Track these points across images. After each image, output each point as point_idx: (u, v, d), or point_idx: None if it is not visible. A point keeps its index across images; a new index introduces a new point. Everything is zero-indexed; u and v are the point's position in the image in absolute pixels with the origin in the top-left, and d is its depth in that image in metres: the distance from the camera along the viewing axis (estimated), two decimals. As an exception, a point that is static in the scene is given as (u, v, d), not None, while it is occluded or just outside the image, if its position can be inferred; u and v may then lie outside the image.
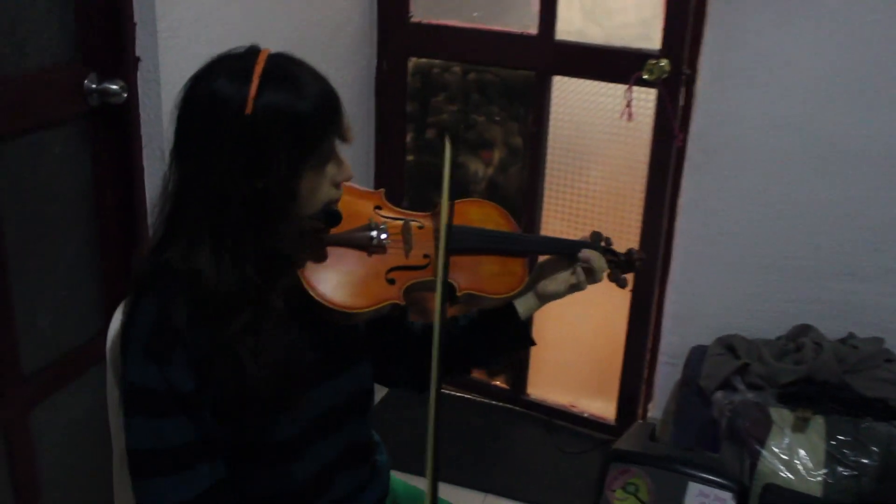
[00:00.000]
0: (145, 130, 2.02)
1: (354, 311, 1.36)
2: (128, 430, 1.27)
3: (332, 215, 1.34)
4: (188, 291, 1.25)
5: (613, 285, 1.63)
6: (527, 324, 1.59)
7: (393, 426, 2.87)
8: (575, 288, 1.56)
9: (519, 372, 3.18)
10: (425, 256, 1.47)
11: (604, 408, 3.12)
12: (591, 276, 1.56)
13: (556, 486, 2.81)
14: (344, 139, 1.31)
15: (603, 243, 1.63)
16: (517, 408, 3.20)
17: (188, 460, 1.27)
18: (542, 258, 1.63)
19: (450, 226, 1.43)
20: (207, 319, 1.25)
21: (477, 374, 3.27)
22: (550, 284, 1.56)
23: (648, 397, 3.06)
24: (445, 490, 2.71)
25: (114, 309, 1.47)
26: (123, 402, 1.29)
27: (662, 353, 2.98)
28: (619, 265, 1.63)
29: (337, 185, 1.33)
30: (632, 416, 3.04)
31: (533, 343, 1.61)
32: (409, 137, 3.13)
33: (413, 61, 3.04)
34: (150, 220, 1.35)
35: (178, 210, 1.28)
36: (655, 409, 3.03)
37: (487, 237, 1.54)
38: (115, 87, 1.92)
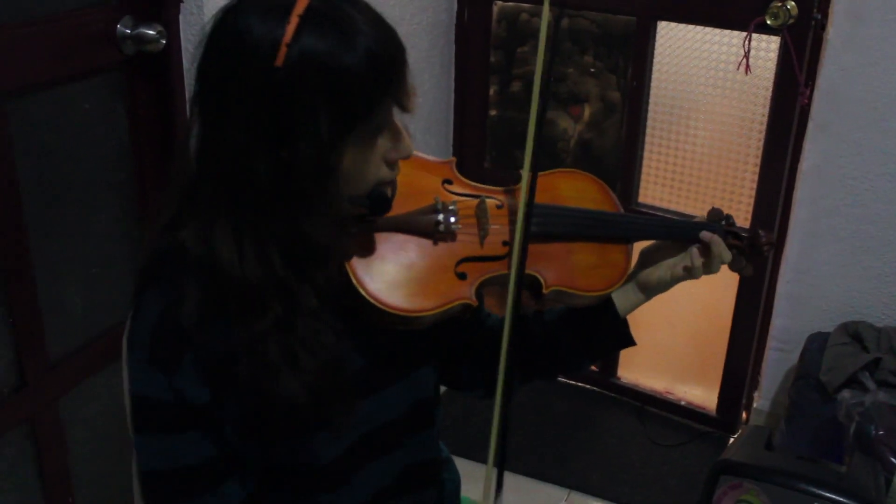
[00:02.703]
0: (189, 82, 1.81)
1: (414, 314, 1.10)
2: (137, 448, 1.11)
3: (378, 200, 1.06)
4: (205, 280, 1.02)
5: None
6: (626, 322, 1.31)
7: (463, 411, 2.64)
8: (688, 275, 1.28)
9: (609, 352, 2.90)
10: (505, 244, 1.19)
11: (703, 396, 2.86)
12: (709, 265, 1.28)
13: (648, 484, 2.55)
14: (403, 107, 1.03)
15: (724, 223, 1.34)
16: (606, 392, 2.96)
17: (209, 481, 1.10)
18: (646, 244, 1.34)
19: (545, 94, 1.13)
20: (230, 315, 1.03)
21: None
22: (656, 272, 1.29)
23: (754, 386, 2.77)
24: (524, 484, 2.51)
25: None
26: (130, 416, 1.10)
27: (773, 337, 2.70)
28: (742, 251, 1.33)
29: (391, 164, 1.06)
30: (735, 406, 2.76)
31: (632, 343, 1.33)
32: (492, 91, 2.90)
33: (498, 5, 2.79)
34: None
35: (198, 175, 1.05)
36: (762, 400, 2.76)
37: (584, 219, 1.27)
38: (152, 32, 1.70)
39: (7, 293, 1.57)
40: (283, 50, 0.93)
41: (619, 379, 2.94)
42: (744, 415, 2.78)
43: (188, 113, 1.05)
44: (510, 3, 2.76)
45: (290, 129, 0.95)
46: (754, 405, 2.77)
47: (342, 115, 0.96)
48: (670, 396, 2.88)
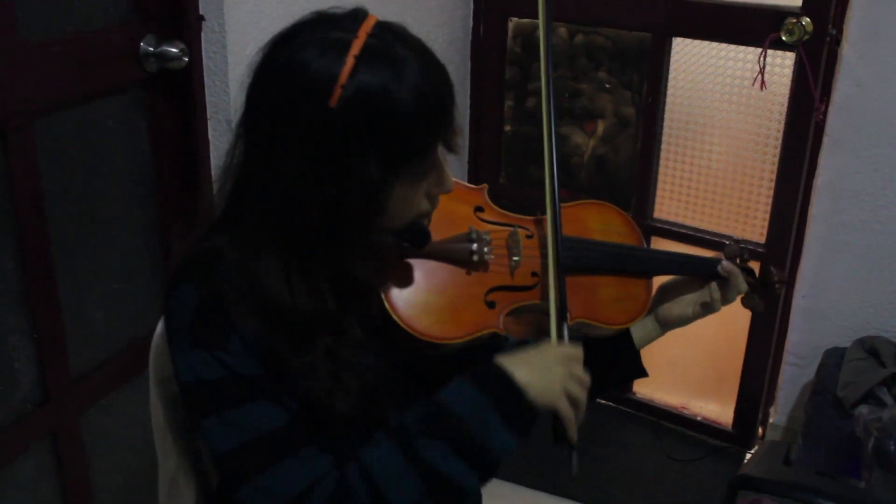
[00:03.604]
0: (210, 99, 1.82)
1: (444, 341, 1.11)
2: (205, 437, 1.04)
3: (418, 233, 1.08)
4: (241, 285, 1.01)
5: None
6: (639, 354, 1.33)
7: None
8: (706, 310, 1.32)
9: (624, 367, 2.89)
10: (534, 275, 1.21)
11: (719, 411, 2.84)
12: (726, 296, 1.32)
13: (665, 499, 2.55)
14: (450, 148, 1.04)
15: (738, 259, 1.37)
16: (622, 407, 2.95)
17: (289, 446, 1.03)
18: (665, 279, 1.37)
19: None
20: (282, 343, 1.02)
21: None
22: (676, 307, 1.32)
23: (770, 401, 2.75)
24: (541, 499, 2.50)
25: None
26: (190, 411, 1.07)
27: (789, 352, 2.68)
28: (755, 288, 1.37)
29: (432, 198, 1.07)
30: (751, 421, 2.74)
31: (644, 375, 1.36)
32: (507, 106, 2.90)
33: (513, 22, 2.80)
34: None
35: (239, 198, 1.05)
36: (778, 415, 2.74)
37: (610, 253, 1.29)
38: (175, 50, 1.73)
39: (31, 309, 1.58)
40: (338, 91, 0.93)
41: (634, 394, 2.93)
42: (760, 430, 2.76)
43: (233, 137, 1.05)
44: (525, 20, 2.76)
45: (340, 167, 0.96)
46: (770, 420, 2.76)
47: (392, 156, 0.97)
48: (686, 412, 2.86)
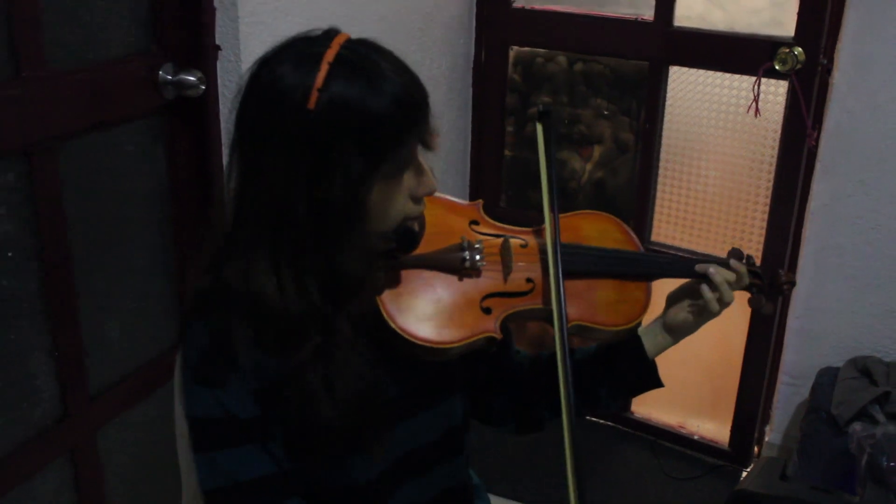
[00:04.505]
0: (225, 126, 1.87)
1: (441, 346, 1.16)
2: (197, 468, 1.13)
3: (405, 235, 1.13)
4: (250, 315, 1.08)
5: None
6: (654, 364, 1.36)
7: (481, 445, 2.67)
8: (704, 312, 1.33)
9: (622, 387, 2.93)
10: (528, 281, 1.26)
11: (716, 430, 2.89)
12: (722, 296, 1.32)
13: (663, 517, 2.57)
14: (427, 146, 1.10)
15: (744, 262, 1.39)
16: (620, 426, 2.99)
17: (267, 498, 1.11)
18: (671, 288, 1.40)
19: (556, 235, 1.21)
20: (271, 345, 1.08)
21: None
22: (680, 313, 1.34)
23: (766, 420, 2.80)
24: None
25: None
26: (191, 440, 1.14)
27: (784, 372, 2.74)
28: (762, 290, 1.39)
29: (416, 199, 1.12)
30: (748, 440, 2.79)
31: (660, 385, 1.38)
32: (507, 132, 2.96)
33: (514, 50, 2.86)
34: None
35: (237, 217, 1.11)
36: (774, 434, 2.78)
37: (605, 258, 1.32)
38: (192, 78, 1.77)
39: (52, 327, 1.63)
40: (315, 94, 1.00)
41: (632, 413, 2.97)
42: (756, 448, 2.81)
43: (227, 159, 1.11)
44: (525, 49, 2.83)
45: (323, 168, 1.02)
46: (766, 439, 2.81)
47: (371, 155, 1.03)
48: (683, 431, 2.91)
